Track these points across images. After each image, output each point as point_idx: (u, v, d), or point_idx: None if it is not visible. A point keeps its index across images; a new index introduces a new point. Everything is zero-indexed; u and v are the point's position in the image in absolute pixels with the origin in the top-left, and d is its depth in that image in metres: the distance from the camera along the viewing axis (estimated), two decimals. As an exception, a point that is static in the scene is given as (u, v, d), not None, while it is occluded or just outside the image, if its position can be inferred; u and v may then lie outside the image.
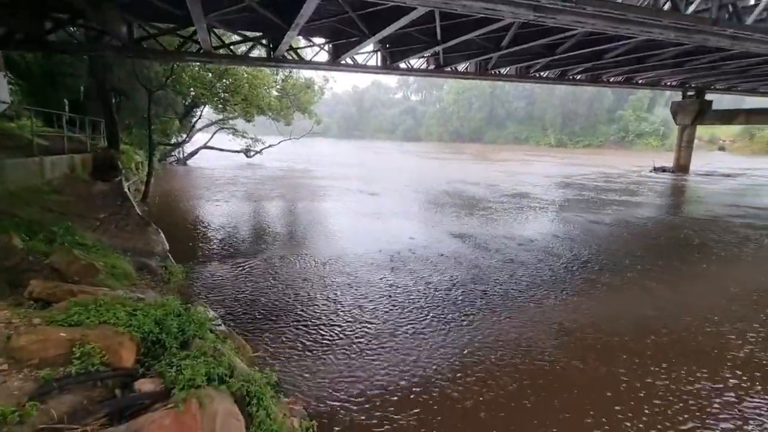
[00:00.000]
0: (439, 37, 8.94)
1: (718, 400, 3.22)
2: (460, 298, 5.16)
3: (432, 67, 12.30)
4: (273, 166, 21.16)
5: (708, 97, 20.54)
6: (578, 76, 15.28)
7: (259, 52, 12.23)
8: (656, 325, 4.42)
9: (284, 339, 4.06)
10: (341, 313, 4.66)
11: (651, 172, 21.45)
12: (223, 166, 20.36)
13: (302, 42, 11.69)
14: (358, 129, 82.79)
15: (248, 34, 10.23)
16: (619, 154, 40.07)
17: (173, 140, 18.83)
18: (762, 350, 3.98)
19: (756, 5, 7.73)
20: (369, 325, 4.37)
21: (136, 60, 11.33)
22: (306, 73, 20.26)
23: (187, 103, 18.72)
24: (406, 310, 4.77)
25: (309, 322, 4.42)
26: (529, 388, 3.34)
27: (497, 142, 61.08)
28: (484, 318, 4.59)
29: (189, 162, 20.86)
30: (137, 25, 9.36)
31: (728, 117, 21.40)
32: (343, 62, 10.83)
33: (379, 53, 11.49)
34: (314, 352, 3.84)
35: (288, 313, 4.65)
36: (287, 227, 9.04)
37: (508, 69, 13.51)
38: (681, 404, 3.16)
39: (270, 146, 22.96)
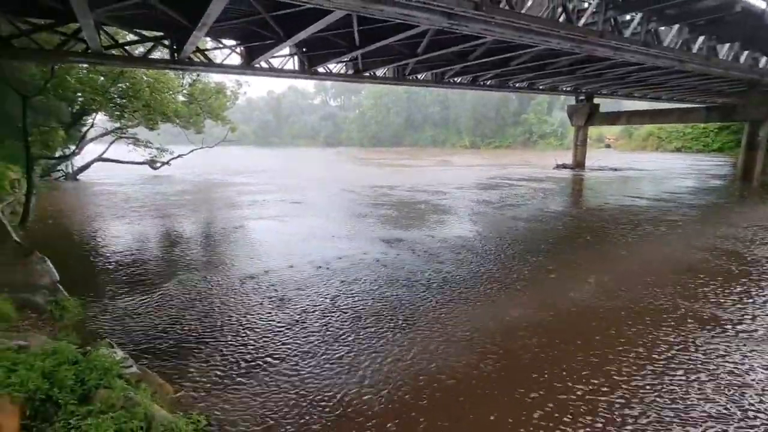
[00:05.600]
0: (357, 42, 8.88)
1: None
2: (390, 311, 5.09)
3: (351, 72, 12.24)
4: (184, 178, 19.51)
5: (596, 101, 23.24)
6: (488, 82, 16.30)
7: (161, 53, 11.18)
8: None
9: (213, 371, 3.62)
10: (273, 335, 4.32)
11: (555, 169, 23.66)
12: (124, 180, 18.26)
13: (210, 44, 10.90)
14: (277, 136, 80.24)
15: (147, 33, 9.26)
16: (525, 153, 43.69)
17: (58, 153, 16.41)
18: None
19: (632, 20, 8.86)
20: (304, 346, 4.10)
21: (4, 61, 9.65)
22: (216, 77, 19.00)
23: (74, 111, 16.46)
24: (342, 323, 4.58)
25: (241, 349, 4.02)
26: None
27: (417, 146, 63.19)
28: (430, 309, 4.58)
29: (80, 177, 18.37)
30: (6, 20, 7.97)
31: (614, 118, 24.45)
32: (257, 66, 10.30)
33: (296, 57, 11.14)
34: (249, 381, 3.48)
35: (214, 341, 4.18)
36: (205, 246, 8.28)
37: (424, 75, 13.95)
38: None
39: (179, 156, 21.10)
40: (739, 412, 3.05)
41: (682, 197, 13.60)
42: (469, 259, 6.94)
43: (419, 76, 14.07)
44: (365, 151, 55.12)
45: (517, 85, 17.88)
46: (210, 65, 10.53)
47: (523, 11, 6.87)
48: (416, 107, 68.18)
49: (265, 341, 4.16)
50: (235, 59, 10.44)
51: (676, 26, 9.89)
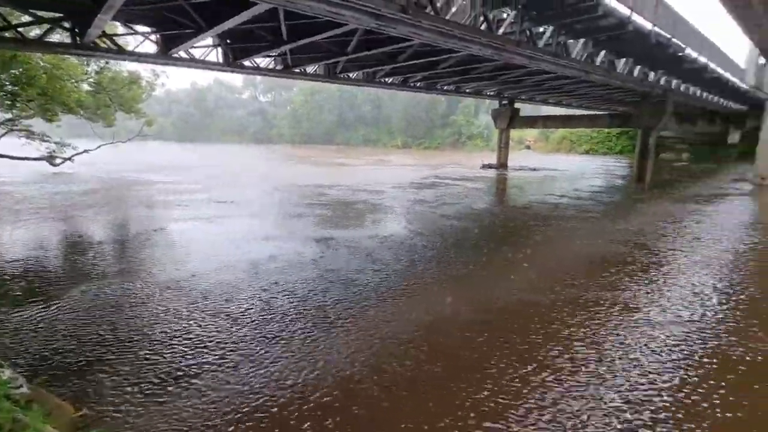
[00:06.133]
0: (285, 36, 8.64)
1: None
2: (321, 311, 5.06)
3: (280, 67, 11.90)
4: (92, 176, 17.64)
5: (516, 105, 24.94)
6: (418, 84, 16.78)
7: (61, 36, 10.02)
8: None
9: (126, 387, 3.33)
10: (198, 344, 4.07)
11: (481, 169, 25.03)
12: (18, 178, 16.10)
13: (122, 29, 9.94)
14: (201, 131, 75.51)
15: (43, 14, 8.22)
16: (455, 154, 45.68)
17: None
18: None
19: (545, 32, 9.64)
20: (234, 353, 3.92)
21: None
22: (131, 66, 17.37)
23: (-46, 98, 14.11)
24: (276, 326, 4.45)
25: (162, 361, 3.73)
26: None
27: (349, 144, 63.23)
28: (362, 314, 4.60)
29: (-39, 174, 15.85)
30: None
31: (532, 122, 26.48)
32: (175, 56, 9.61)
33: (219, 49, 10.57)
34: (170, 395, 3.24)
35: (129, 354, 3.84)
36: (120, 251, 7.56)
37: (356, 74, 13.98)
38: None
39: (85, 151, 19.01)
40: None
41: (593, 195, 15.11)
42: (404, 257, 7.09)
43: (351, 75, 14.08)
44: (298, 148, 53.98)
45: (445, 87, 18.61)
46: (120, 52, 9.61)
47: (447, 17, 7.16)
48: (348, 106, 68.10)
49: (190, 351, 3.91)
50: (150, 47, 9.65)
51: (582, 40, 10.94)
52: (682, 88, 19.02)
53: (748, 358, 3.84)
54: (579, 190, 16.36)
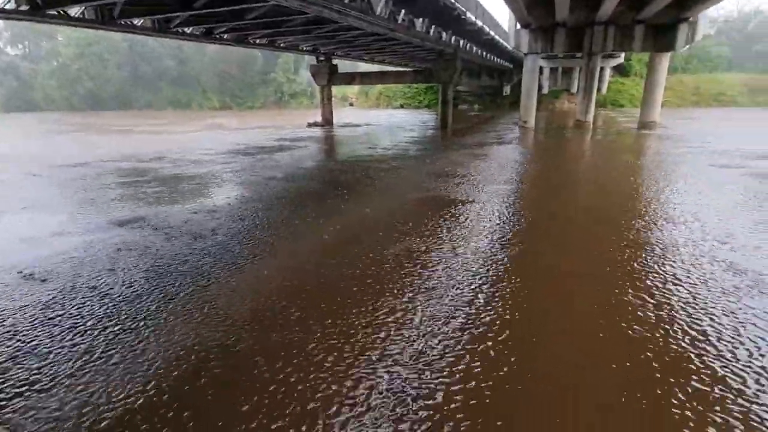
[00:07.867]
0: (21, -37, 6.49)
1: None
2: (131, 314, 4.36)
3: (26, 7, 9.02)
4: None
5: (335, 62, 25.04)
6: (225, 36, 15.12)
7: None
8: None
9: None
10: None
11: (308, 127, 24.78)
12: None
13: None
14: None
15: None
16: (280, 113, 43.81)
17: None
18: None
19: (350, -13, 9.67)
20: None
21: None
22: None
23: None
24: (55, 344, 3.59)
25: None
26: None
27: (154, 108, 54.25)
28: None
29: None
30: None
31: (350, 79, 27.07)
32: None
33: None
34: None
35: None
36: None
37: (142, 20, 11.68)
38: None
39: None
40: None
41: (410, 144, 16.71)
42: (240, 230, 6.50)
43: (136, 22, 11.69)
44: (83, 115, 43.52)
45: (257, 41, 17.33)
46: None
47: (244, -41, 6.46)
48: (144, 60, 57.35)
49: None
50: None
51: (384, -2, 11.44)
52: (468, 47, 22.13)
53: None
54: (399, 141, 17.87)
